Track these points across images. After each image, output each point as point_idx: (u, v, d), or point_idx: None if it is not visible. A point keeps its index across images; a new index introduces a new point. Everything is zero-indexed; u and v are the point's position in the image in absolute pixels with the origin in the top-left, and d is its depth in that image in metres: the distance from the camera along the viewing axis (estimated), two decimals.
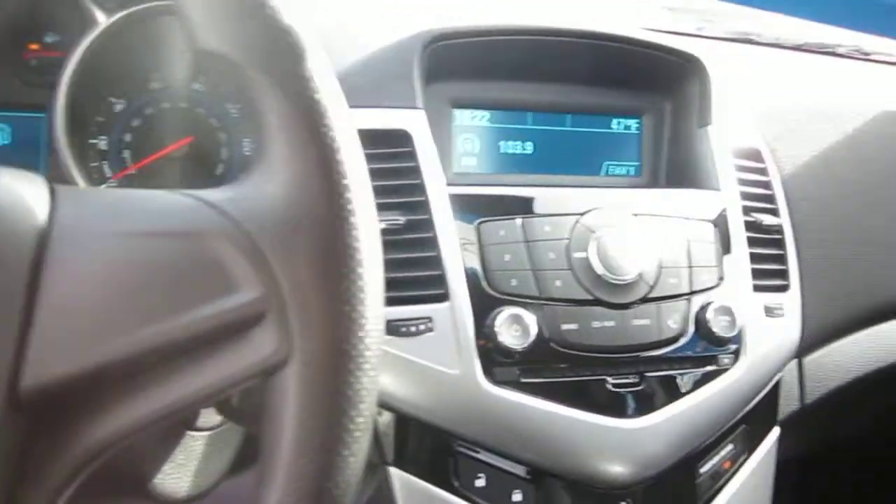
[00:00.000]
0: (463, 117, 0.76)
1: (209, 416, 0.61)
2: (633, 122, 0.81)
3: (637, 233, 0.68)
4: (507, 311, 0.63)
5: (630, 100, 0.81)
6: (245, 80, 0.37)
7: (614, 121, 0.81)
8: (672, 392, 0.67)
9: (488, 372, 0.63)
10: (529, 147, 0.78)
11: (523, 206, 0.67)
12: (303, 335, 0.36)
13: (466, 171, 0.76)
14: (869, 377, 0.83)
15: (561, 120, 0.79)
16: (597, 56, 0.77)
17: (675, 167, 0.80)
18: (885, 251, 0.85)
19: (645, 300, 0.67)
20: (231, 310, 0.34)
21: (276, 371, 0.36)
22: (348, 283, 0.36)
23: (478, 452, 0.66)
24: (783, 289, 0.76)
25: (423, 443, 0.67)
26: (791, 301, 0.76)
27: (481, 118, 0.77)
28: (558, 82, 0.78)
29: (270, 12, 0.37)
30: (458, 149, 0.76)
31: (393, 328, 0.62)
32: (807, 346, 0.79)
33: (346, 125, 0.38)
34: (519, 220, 0.66)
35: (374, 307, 0.37)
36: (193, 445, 0.63)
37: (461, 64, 0.74)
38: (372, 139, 0.66)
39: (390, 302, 0.62)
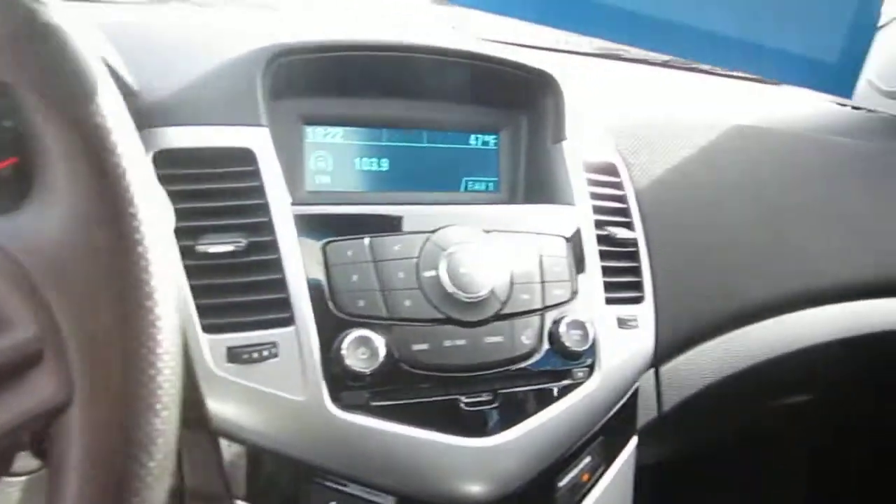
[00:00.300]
0: (315, 134, 0.74)
1: (27, 461, 0.56)
2: (490, 138, 0.81)
3: (489, 249, 0.68)
4: (354, 334, 0.61)
5: (487, 116, 0.81)
6: (21, 102, 0.35)
7: (472, 137, 0.80)
8: (527, 408, 0.67)
9: (336, 397, 0.61)
10: (385, 164, 0.77)
11: (374, 225, 0.66)
12: (85, 375, 0.33)
13: (320, 190, 0.74)
14: (724, 382, 0.86)
15: (417, 136, 0.78)
16: (450, 72, 0.76)
17: (533, 183, 0.81)
18: (736, 260, 0.88)
19: (497, 317, 0.66)
20: (2, 351, 0.31)
21: (58, 414, 0.33)
22: (136, 318, 0.34)
23: (332, 481, 0.64)
24: (637, 300, 0.77)
25: (275, 474, 0.65)
26: (645, 312, 0.77)
27: (334, 135, 0.75)
28: (413, 98, 0.78)
29: (57, 40, 0.35)
30: (312, 166, 0.74)
31: (235, 355, 0.59)
32: (663, 355, 0.81)
33: (133, 152, 0.36)
34: (367, 240, 0.64)
35: (167, 343, 0.34)
36: (9, 492, 0.58)
37: (311, 80, 0.72)
38: (213, 158, 0.63)
39: (232, 328, 0.60)
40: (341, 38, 0.72)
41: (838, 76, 0.50)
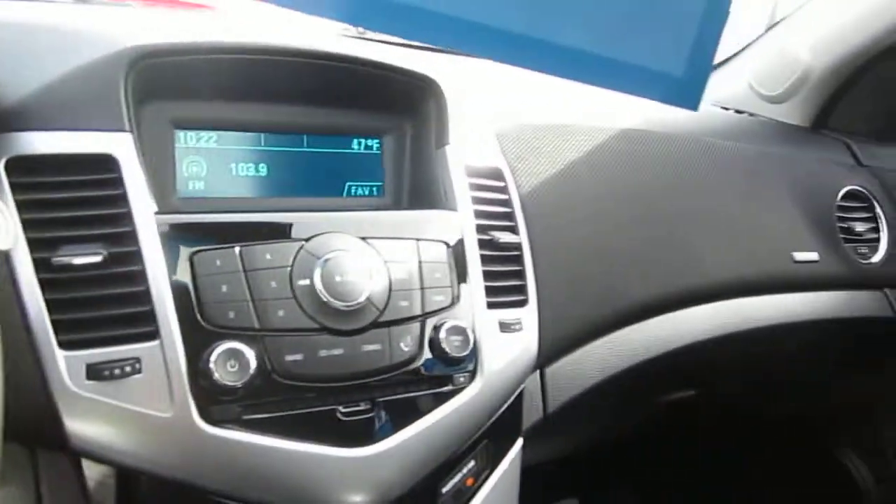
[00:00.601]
0: (187, 139, 0.72)
1: None
2: (374, 143, 0.80)
3: (366, 256, 0.67)
4: (223, 346, 0.59)
5: (371, 120, 0.80)
6: None
7: (355, 141, 0.79)
8: (407, 416, 0.67)
9: (205, 412, 0.59)
10: (264, 169, 0.75)
11: (246, 234, 0.64)
12: None
13: (193, 196, 0.71)
14: (608, 381, 0.88)
15: (297, 141, 0.76)
16: (330, 76, 0.75)
17: (417, 188, 0.80)
18: (619, 262, 0.90)
19: (375, 325, 0.65)
20: None
21: None
22: None
23: (208, 500, 0.62)
24: (521, 304, 0.78)
25: (146, 495, 0.62)
26: (529, 315, 0.78)
27: (208, 139, 0.72)
28: (293, 102, 0.76)
29: None
30: (184, 172, 0.71)
31: (95, 372, 0.56)
32: (548, 356, 0.82)
33: None
34: (237, 249, 0.63)
35: None
36: None
37: (181, 83, 0.69)
38: (71, 165, 0.60)
39: (92, 343, 0.57)
40: (212, 40, 0.69)
41: (685, 89, 0.51)
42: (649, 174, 1.00)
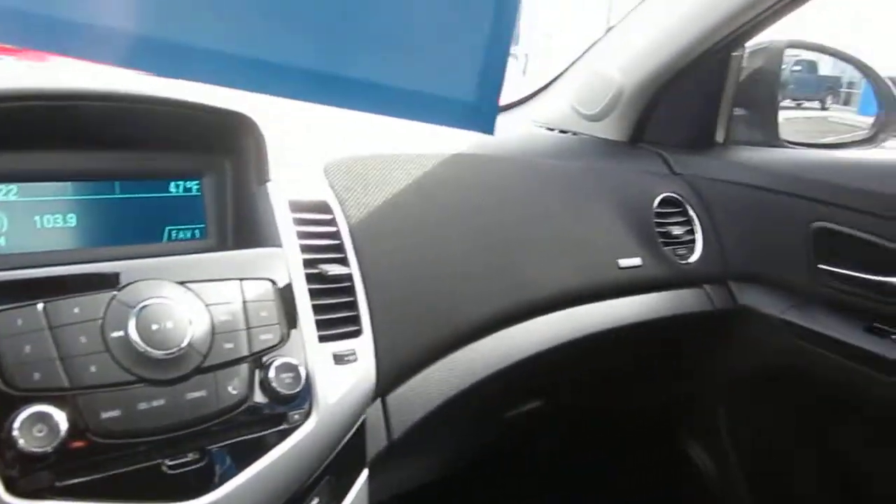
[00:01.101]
0: None
1: None
2: (193, 184, 0.79)
3: (185, 301, 0.65)
4: (28, 410, 0.55)
5: (187, 161, 0.79)
6: None
7: (172, 184, 0.77)
8: (241, 461, 0.65)
9: (12, 484, 0.55)
10: (73, 220, 0.71)
11: (51, 288, 0.61)
12: None
13: None
14: (452, 402, 0.89)
15: (108, 188, 0.73)
16: (138, 119, 0.73)
17: (241, 227, 0.79)
18: (453, 284, 0.92)
19: (199, 370, 0.64)
20: None
21: None
22: None
23: None
24: (354, 334, 0.78)
25: None
26: (363, 345, 0.78)
27: (7, 192, 0.68)
28: (101, 148, 0.73)
29: None
30: None
31: None
32: (388, 384, 0.83)
33: None
34: (41, 305, 0.59)
35: None
36: None
37: None
38: None
39: None
40: (5, 86, 0.66)
41: (479, 113, 0.54)
42: (478, 196, 1.03)
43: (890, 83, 1.60)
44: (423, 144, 1.04)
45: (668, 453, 1.53)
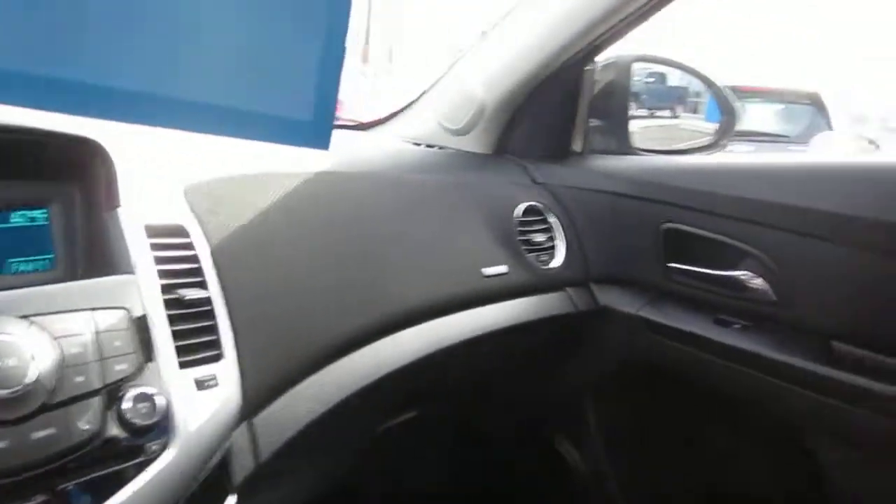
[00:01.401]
0: None
1: None
2: (38, 213, 0.76)
3: (28, 336, 0.63)
4: None
5: (31, 190, 0.76)
6: None
7: (14, 214, 0.74)
8: (96, 498, 0.63)
9: None
10: None
11: None
12: None
13: None
14: (322, 419, 0.90)
15: None
16: None
17: (92, 255, 0.77)
18: (318, 300, 0.93)
19: (46, 408, 0.62)
20: None
21: None
22: None
23: None
24: (216, 359, 0.77)
25: None
26: (226, 369, 0.78)
27: None
28: None
29: None
30: None
31: None
32: (254, 406, 0.82)
33: None
34: None
35: None
36: None
37: None
38: None
39: None
40: None
41: (315, 131, 0.55)
42: (343, 213, 1.04)
43: (730, 92, 1.74)
44: (290, 164, 1.04)
45: (542, 453, 1.59)
